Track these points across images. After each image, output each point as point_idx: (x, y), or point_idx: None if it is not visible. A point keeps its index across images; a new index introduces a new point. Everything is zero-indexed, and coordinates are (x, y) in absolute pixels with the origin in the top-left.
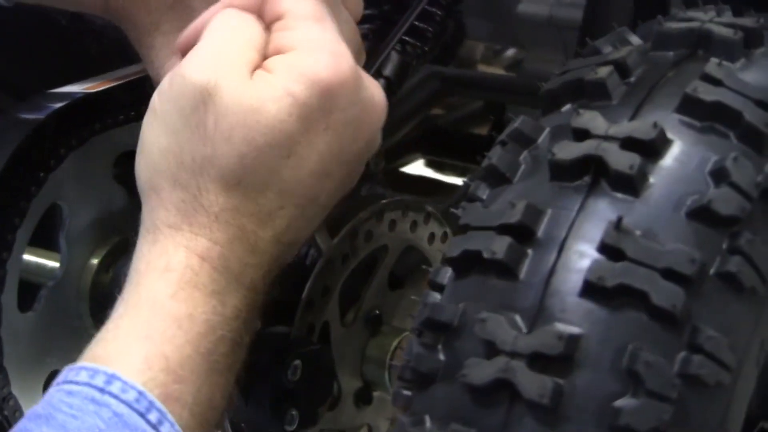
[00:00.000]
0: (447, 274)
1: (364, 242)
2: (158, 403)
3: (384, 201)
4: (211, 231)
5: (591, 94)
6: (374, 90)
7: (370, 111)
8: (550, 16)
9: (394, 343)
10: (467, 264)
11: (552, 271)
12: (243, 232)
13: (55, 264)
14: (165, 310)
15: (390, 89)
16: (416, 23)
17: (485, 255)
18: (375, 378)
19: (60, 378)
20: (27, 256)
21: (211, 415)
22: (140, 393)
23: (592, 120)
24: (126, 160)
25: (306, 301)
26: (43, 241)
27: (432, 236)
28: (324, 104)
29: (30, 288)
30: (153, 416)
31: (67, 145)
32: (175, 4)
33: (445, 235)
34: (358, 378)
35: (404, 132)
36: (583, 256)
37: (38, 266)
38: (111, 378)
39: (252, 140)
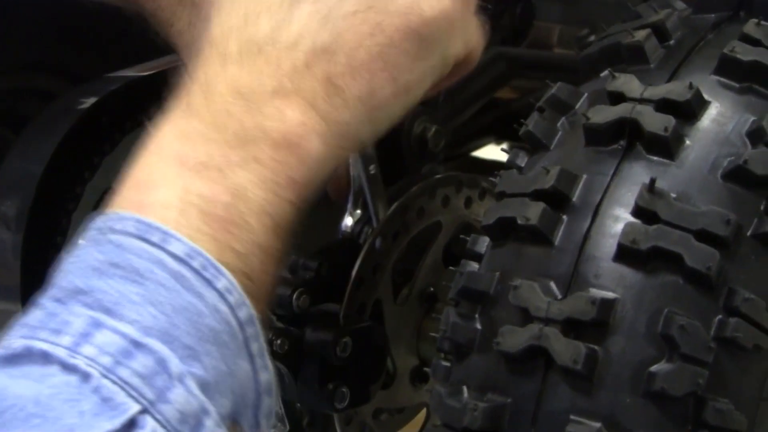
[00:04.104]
0: (484, 243)
1: (416, 218)
2: (157, 223)
3: (436, 176)
4: None
5: (629, 58)
6: None
7: None
8: None
9: None
10: (503, 231)
11: (586, 237)
12: None
13: None
14: None
15: None
16: None
17: (519, 221)
18: (431, 356)
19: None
20: None
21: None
22: (138, 220)
23: (627, 83)
24: None
25: (356, 279)
26: None
27: None
28: None
29: None
30: (156, 237)
31: (122, 130)
32: None
33: None
34: (414, 356)
35: (471, 114)
36: (617, 220)
37: None
38: (112, 216)
39: None
